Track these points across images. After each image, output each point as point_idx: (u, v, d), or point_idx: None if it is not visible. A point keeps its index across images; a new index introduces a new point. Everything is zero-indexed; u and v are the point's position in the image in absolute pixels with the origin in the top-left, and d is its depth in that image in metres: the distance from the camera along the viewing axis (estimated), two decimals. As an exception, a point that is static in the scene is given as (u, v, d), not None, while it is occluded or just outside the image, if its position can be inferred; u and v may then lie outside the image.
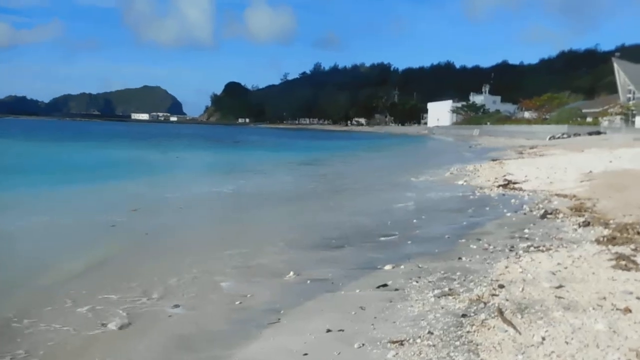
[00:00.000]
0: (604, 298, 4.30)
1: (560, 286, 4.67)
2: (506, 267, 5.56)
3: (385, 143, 56.58)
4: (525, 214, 9.37)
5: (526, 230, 7.79)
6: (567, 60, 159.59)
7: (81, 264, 6.63)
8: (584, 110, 61.72)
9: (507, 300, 4.42)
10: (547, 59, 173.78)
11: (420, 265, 6.06)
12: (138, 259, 7.05)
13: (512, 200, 10.86)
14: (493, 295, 4.60)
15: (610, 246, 6.19)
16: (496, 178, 14.89)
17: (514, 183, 13.48)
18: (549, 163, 18.24)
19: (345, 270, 6.14)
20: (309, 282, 5.76)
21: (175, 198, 12.85)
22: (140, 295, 5.38)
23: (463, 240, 7.41)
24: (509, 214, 9.41)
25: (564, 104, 69.91)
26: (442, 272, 5.65)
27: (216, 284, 5.78)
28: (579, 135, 44.67)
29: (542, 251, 6.28)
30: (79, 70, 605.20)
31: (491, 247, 6.85)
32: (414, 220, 9.42)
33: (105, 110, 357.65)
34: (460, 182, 14.86)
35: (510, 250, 6.52)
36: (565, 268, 5.31)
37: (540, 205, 9.97)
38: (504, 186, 13.16)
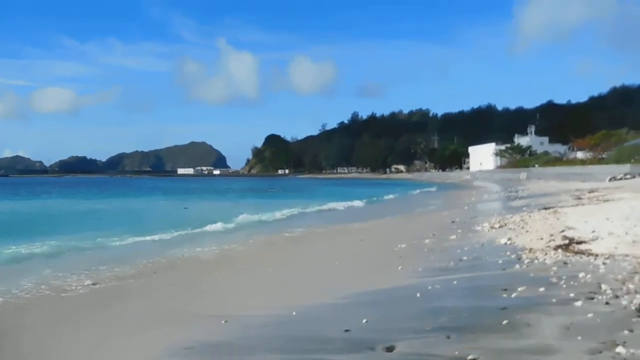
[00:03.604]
0: None
1: None
2: None
3: (414, 193, 51.95)
4: (607, 303, 5.65)
5: (620, 349, 4.16)
6: (620, 96, 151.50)
7: None
8: (647, 148, 55.45)
9: None
10: (597, 96, 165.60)
11: None
12: None
13: (581, 275, 7.07)
14: None
15: None
16: (552, 235, 11.02)
17: (579, 243, 9.63)
18: (621, 211, 14.09)
19: None
20: None
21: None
22: None
23: (499, 375, 3.89)
24: (579, 304, 5.69)
25: (623, 142, 63.59)
26: None
27: None
28: (646, 175, 39.14)
29: None
30: (133, 129, 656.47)
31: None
32: (419, 316, 5.92)
33: (156, 166, 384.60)
34: (503, 241, 11.13)
35: None
36: None
37: (630, 286, 6.21)
38: (565, 247, 9.35)
